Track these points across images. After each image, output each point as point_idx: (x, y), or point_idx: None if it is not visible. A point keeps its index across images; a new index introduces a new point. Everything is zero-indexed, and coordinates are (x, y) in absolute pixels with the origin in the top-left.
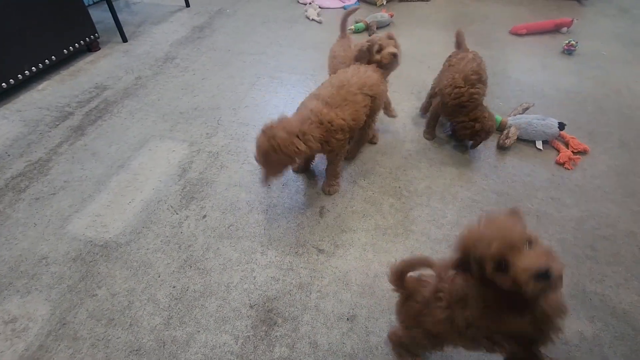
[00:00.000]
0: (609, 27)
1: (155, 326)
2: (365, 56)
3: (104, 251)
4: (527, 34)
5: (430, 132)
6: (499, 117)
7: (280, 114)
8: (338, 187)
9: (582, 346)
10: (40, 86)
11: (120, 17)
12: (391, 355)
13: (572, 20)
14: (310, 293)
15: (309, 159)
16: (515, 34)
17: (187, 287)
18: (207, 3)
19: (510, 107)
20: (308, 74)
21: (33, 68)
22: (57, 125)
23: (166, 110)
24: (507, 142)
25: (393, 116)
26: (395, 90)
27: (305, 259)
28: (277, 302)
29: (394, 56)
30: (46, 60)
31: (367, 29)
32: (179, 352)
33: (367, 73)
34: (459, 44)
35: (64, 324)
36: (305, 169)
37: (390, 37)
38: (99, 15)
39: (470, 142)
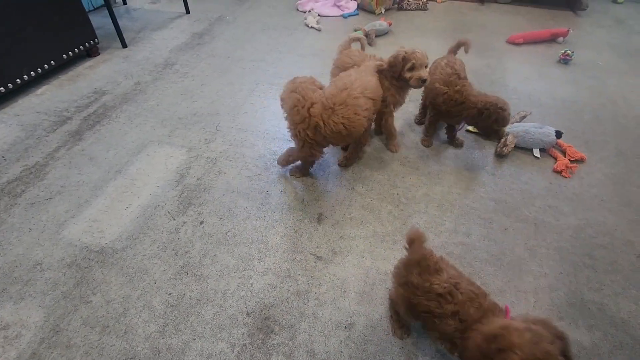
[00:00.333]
0: (605, 38)
1: (151, 334)
2: (398, 67)
3: (100, 257)
4: (524, 43)
5: (428, 140)
6: None
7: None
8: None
9: (581, 356)
10: (39, 91)
11: (120, 23)
12: None
13: (568, 30)
14: (308, 300)
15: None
16: (512, 43)
17: (184, 294)
18: (207, 10)
19: None
20: None
21: (32, 73)
22: (55, 130)
23: (165, 116)
24: (505, 150)
25: (394, 151)
26: None
27: (303, 265)
28: (274, 310)
29: (423, 82)
30: (45, 65)
31: (366, 37)
32: None
33: (367, 77)
34: (452, 52)
35: (57, 331)
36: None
37: (424, 57)
38: (99, 20)
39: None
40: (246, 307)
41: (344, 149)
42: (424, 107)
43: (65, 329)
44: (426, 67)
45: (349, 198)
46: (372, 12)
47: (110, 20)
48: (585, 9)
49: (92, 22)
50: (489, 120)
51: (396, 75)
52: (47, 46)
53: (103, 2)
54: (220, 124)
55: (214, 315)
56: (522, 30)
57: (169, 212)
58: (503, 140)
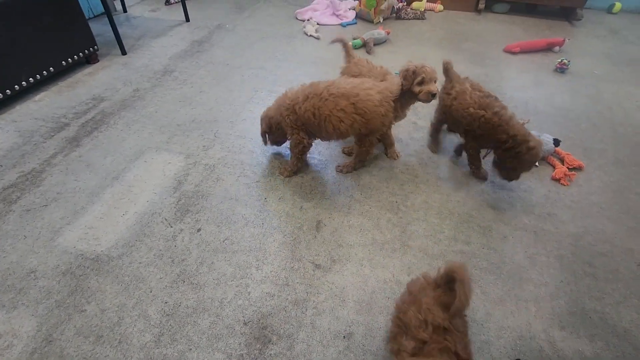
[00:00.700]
0: (600, 48)
1: (146, 343)
2: (410, 80)
3: (95, 265)
4: (521, 52)
5: (434, 146)
6: None
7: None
8: (348, 170)
9: None
10: (37, 97)
11: (120, 30)
12: None
13: (564, 40)
14: (306, 309)
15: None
16: (509, 52)
17: (180, 302)
18: (207, 18)
19: None
20: None
21: (30, 79)
22: (52, 136)
23: (163, 122)
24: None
25: (393, 158)
26: None
27: (301, 274)
28: (272, 319)
29: (432, 96)
30: (44, 72)
31: (364, 45)
32: None
33: (368, 91)
34: (447, 73)
35: (50, 341)
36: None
37: (434, 71)
38: (99, 28)
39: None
40: (243, 316)
41: (349, 155)
42: (436, 131)
43: (58, 339)
44: (435, 81)
45: (348, 205)
46: (371, 21)
47: (110, 28)
48: (580, 19)
49: (92, 29)
50: (510, 152)
51: (405, 89)
52: (47, 53)
53: (103, 10)
54: (219, 131)
55: (211, 325)
56: (518, 40)
57: (166, 219)
58: None
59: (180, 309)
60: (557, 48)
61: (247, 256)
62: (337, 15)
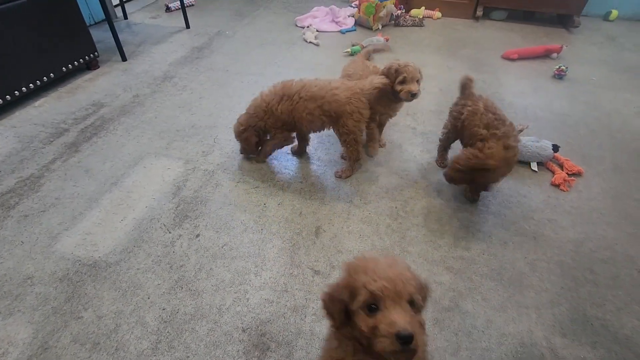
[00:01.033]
0: (597, 54)
1: (143, 351)
2: (391, 77)
3: (93, 271)
4: (519, 59)
5: (440, 162)
6: None
7: None
8: (348, 174)
9: None
10: (37, 103)
11: (120, 36)
12: None
13: (562, 47)
14: (305, 316)
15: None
16: (507, 58)
17: (178, 309)
18: (207, 25)
19: None
20: None
21: (30, 85)
22: (52, 141)
23: (163, 128)
24: None
25: (371, 155)
26: None
27: (301, 280)
28: (271, 326)
29: (412, 96)
30: (44, 78)
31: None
32: None
33: (334, 91)
34: (464, 88)
35: (45, 348)
36: (301, 152)
37: (416, 71)
38: (100, 34)
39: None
40: (242, 323)
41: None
42: (446, 143)
43: (54, 346)
44: (418, 81)
45: (347, 211)
46: (370, 28)
47: (111, 34)
48: (577, 27)
49: (92, 35)
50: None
51: (387, 87)
52: (47, 59)
53: (104, 17)
54: (218, 137)
55: (209, 332)
56: (516, 46)
57: (164, 225)
58: None
59: (178, 315)
60: (555, 55)
61: (245, 262)
62: (337, 22)
